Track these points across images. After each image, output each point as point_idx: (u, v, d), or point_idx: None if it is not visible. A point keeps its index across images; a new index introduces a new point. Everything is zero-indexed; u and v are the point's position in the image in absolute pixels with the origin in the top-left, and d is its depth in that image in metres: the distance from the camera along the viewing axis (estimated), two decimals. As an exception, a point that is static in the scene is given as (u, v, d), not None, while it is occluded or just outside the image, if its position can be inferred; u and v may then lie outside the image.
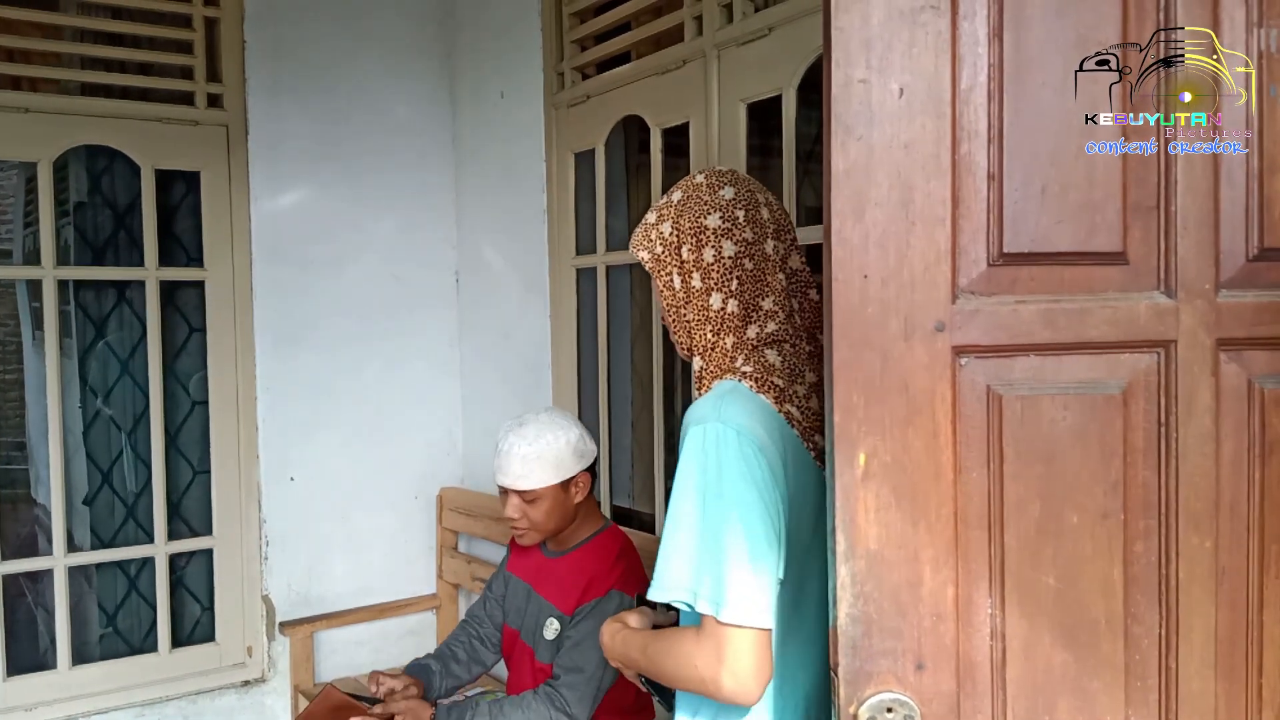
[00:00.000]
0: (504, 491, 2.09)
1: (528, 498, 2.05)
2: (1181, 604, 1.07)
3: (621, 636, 1.42)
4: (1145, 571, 1.07)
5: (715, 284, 1.34)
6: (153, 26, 3.00)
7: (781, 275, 1.37)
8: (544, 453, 2.03)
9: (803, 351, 1.36)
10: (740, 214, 1.35)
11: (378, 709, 2.05)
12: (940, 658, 1.04)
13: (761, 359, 1.32)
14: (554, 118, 3.02)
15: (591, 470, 2.12)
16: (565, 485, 2.06)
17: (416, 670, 2.23)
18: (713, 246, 1.34)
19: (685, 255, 1.36)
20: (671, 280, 1.38)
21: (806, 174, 2.41)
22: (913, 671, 1.03)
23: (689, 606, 1.21)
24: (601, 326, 2.91)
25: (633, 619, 1.46)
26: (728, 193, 1.37)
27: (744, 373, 1.31)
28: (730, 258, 1.34)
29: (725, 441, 1.21)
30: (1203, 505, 1.07)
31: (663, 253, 1.38)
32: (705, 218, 1.35)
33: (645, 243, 1.41)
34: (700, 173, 1.42)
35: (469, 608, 2.39)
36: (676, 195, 1.40)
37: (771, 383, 1.30)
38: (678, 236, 1.36)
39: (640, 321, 3.05)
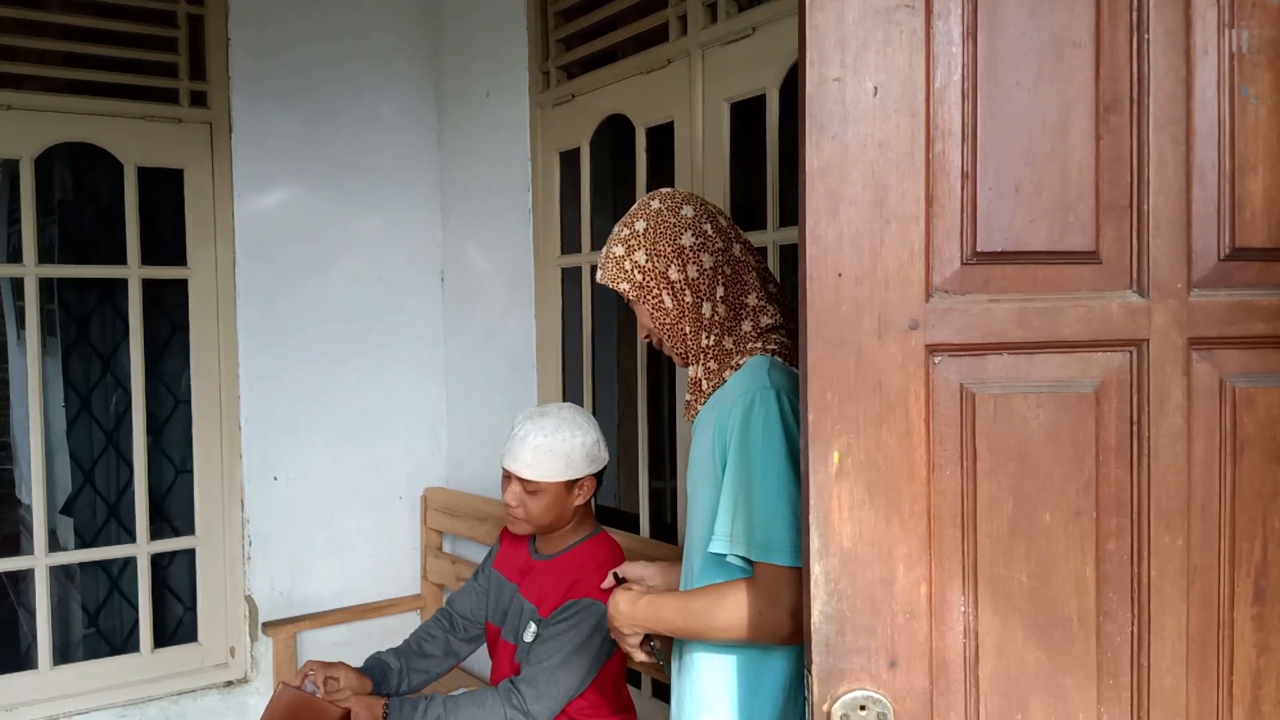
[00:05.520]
0: (507, 476, 2.08)
1: (529, 488, 2.03)
2: (1153, 601, 1.08)
3: (648, 600, 1.48)
4: (1117, 569, 1.08)
5: (704, 294, 1.45)
6: (136, 24, 2.98)
7: (753, 273, 1.48)
8: (557, 447, 2.01)
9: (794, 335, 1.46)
10: (707, 227, 1.48)
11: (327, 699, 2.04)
12: (913, 655, 1.04)
13: (776, 341, 1.44)
14: (539, 117, 3.02)
15: (599, 477, 2.11)
16: (570, 485, 2.05)
17: (373, 666, 2.20)
18: (694, 263, 1.46)
19: (674, 275, 1.46)
20: (662, 301, 1.47)
21: (790, 173, 2.42)
22: (886, 669, 1.04)
23: (744, 559, 1.32)
24: (586, 326, 2.91)
25: (638, 588, 1.55)
26: (688, 211, 1.48)
27: (770, 350, 1.42)
28: (711, 268, 1.46)
29: (781, 405, 1.34)
30: (1174, 503, 1.08)
31: (644, 279, 1.47)
32: (680, 238, 1.46)
33: (622, 274, 1.49)
34: (651, 198, 1.52)
35: (450, 595, 2.38)
36: (640, 225, 1.49)
37: (795, 358, 1.41)
38: (660, 260, 1.46)
39: (625, 322, 3.06)
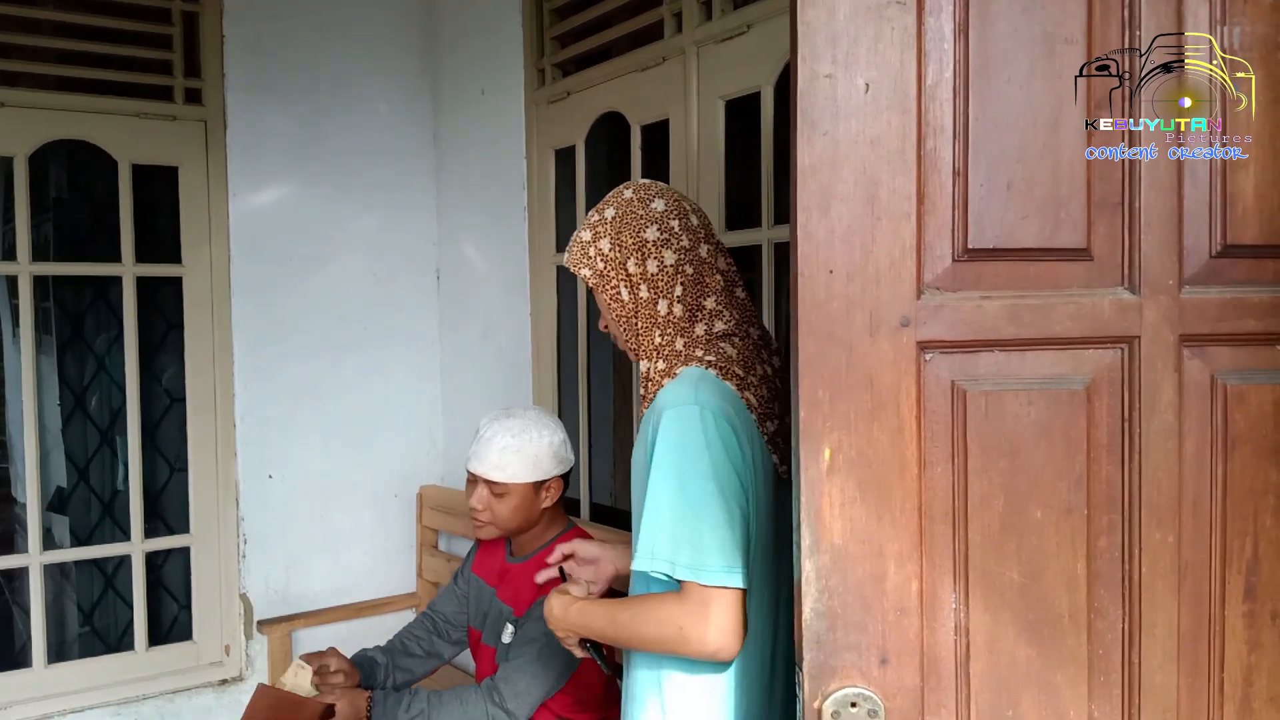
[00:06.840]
0: (473, 480, 2.07)
1: (496, 490, 2.02)
2: (1144, 598, 1.08)
3: (579, 607, 1.47)
4: (1109, 566, 1.08)
5: (661, 291, 1.42)
6: (131, 21, 2.97)
7: (718, 275, 1.45)
8: (524, 448, 2.01)
9: (751, 343, 1.44)
10: (675, 223, 1.44)
11: (314, 695, 2.03)
12: (904, 652, 1.04)
13: (720, 351, 1.40)
14: (534, 115, 3.02)
15: (565, 479, 2.10)
16: (537, 487, 2.04)
17: (360, 663, 2.20)
18: (655, 258, 1.42)
19: (632, 269, 1.43)
20: (619, 293, 1.45)
21: (785, 171, 2.41)
22: (877, 666, 1.04)
23: (666, 575, 1.28)
24: (582, 325, 2.91)
25: (575, 589, 1.52)
26: (659, 205, 1.45)
27: (708, 362, 1.38)
28: (672, 265, 1.42)
29: (704, 421, 1.30)
30: (1165, 500, 1.08)
31: (605, 268, 1.45)
32: (644, 231, 1.43)
33: (585, 260, 1.47)
34: (626, 188, 1.50)
35: (431, 600, 2.38)
36: (609, 212, 1.47)
37: (734, 371, 1.39)
38: (621, 251, 1.44)
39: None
